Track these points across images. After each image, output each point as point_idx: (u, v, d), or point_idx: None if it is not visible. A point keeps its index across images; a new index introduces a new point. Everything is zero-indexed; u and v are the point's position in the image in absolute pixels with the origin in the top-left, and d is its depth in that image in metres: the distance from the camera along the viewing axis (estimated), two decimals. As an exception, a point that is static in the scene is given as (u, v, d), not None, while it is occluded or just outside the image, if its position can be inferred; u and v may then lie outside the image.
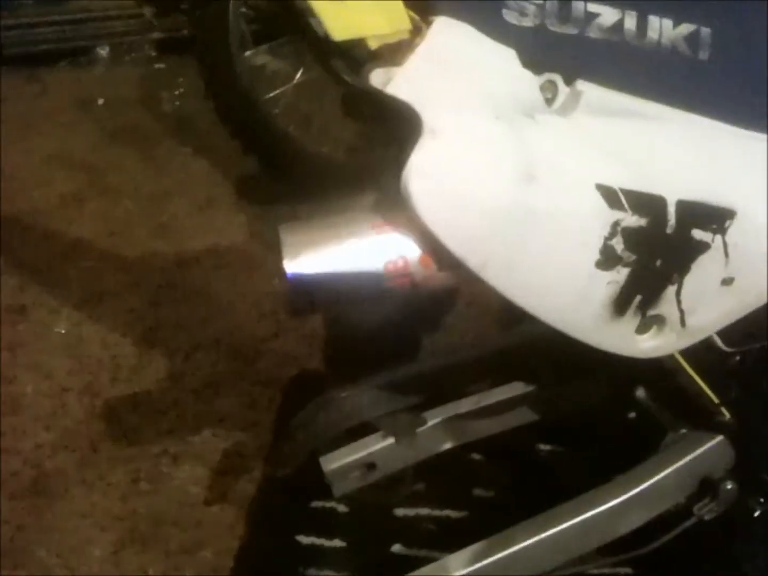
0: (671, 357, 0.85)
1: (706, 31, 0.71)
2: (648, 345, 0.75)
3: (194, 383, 1.43)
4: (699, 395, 0.88)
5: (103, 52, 2.43)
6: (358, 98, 0.67)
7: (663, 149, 0.70)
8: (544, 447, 1.25)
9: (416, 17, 0.69)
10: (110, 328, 1.55)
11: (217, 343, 1.51)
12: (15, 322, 1.56)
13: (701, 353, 0.84)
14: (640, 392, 0.98)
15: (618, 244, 0.68)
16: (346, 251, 0.65)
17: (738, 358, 0.88)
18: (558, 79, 0.70)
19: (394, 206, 0.64)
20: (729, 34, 0.72)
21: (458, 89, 0.65)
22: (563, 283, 0.68)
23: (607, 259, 0.68)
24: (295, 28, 0.66)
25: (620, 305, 0.71)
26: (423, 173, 0.62)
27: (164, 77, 2.32)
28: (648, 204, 0.69)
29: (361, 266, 0.65)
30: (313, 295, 0.65)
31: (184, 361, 1.48)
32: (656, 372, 0.90)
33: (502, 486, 1.20)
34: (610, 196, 0.67)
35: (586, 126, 0.68)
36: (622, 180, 0.68)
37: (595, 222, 0.67)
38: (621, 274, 0.70)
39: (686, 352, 0.84)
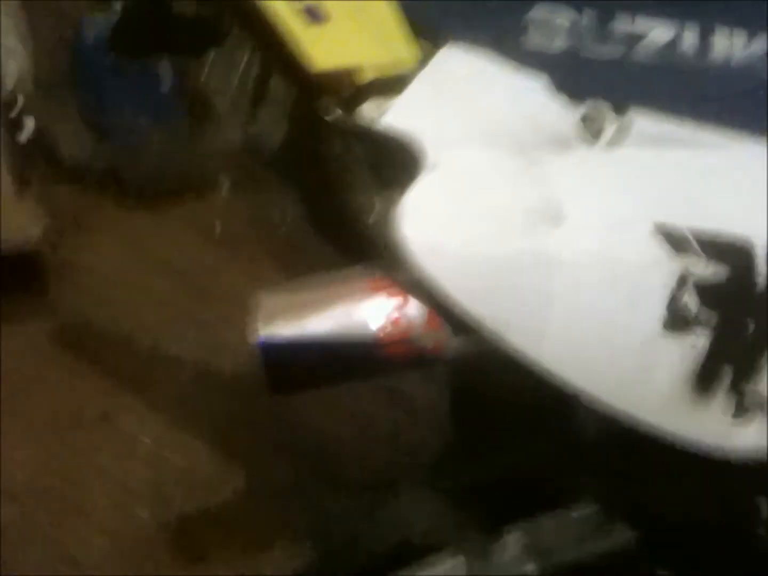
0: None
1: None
2: (748, 438, 0.57)
3: (271, 497, 1.31)
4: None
5: (225, 182, 2.44)
6: (350, 139, 0.56)
7: (739, 184, 0.54)
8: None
9: (427, 45, 0.57)
10: (191, 438, 1.46)
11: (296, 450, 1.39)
12: (96, 429, 1.50)
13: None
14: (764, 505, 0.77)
15: (691, 299, 0.52)
16: (330, 314, 0.52)
17: None
18: (604, 107, 0.56)
19: (394, 261, 0.51)
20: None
21: (465, 119, 0.53)
22: (617, 352, 0.52)
23: (678, 319, 0.52)
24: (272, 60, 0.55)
25: (704, 380, 0.54)
26: (419, 212, 0.49)
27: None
28: (728, 249, 0.52)
29: (348, 331, 0.52)
30: (291, 369, 0.52)
31: (260, 473, 1.36)
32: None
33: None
34: (675, 238, 0.51)
35: (637, 158, 0.54)
36: (689, 220, 0.52)
37: (655, 271, 0.51)
38: (700, 338, 0.53)
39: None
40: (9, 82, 1.57)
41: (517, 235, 0.50)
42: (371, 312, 0.52)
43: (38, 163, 1.82)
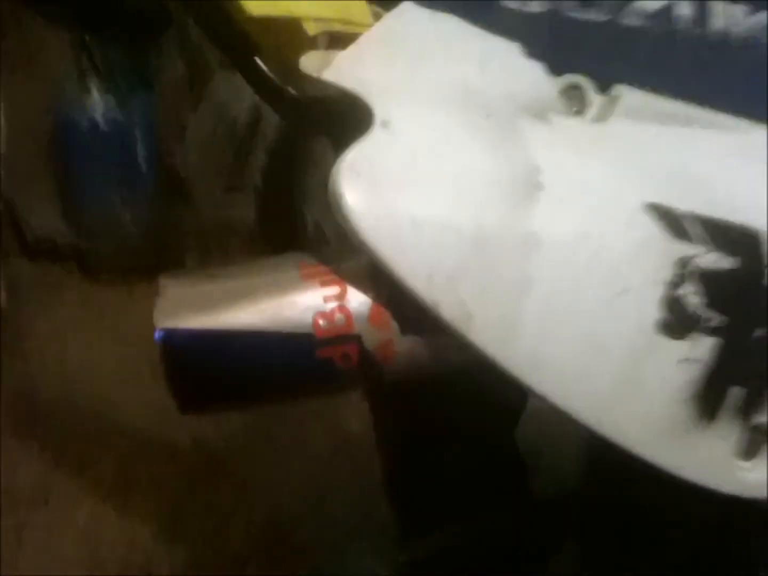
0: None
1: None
2: (756, 478, 0.47)
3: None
4: None
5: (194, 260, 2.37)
6: (286, 99, 0.47)
7: (743, 168, 0.46)
8: None
9: (381, 11, 0.50)
10: (131, 521, 1.33)
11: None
12: (33, 507, 1.36)
13: None
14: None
15: (691, 295, 0.43)
16: (251, 305, 0.42)
17: None
18: (585, 83, 0.48)
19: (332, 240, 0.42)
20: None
21: (422, 79, 0.44)
22: (599, 354, 0.42)
23: (675, 318, 0.43)
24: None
25: (706, 403, 0.44)
26: (363, 175, 0.39)
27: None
28: (734, 236, 0.44)
29: (274, 326, 0.41)
30: (199, 373, 0.41)
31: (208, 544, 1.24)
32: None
33: None
34: (671, 219, 0.43)
35: (628, 134, 0.46)
36: (686, 201, 0.44)
37: (648, 255, 0.42)
38: (703, 346, 0.44)
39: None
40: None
41: (485, 207, 0.40)
42: (302, 304, 0.42)
43: (2, 232, 1.75)
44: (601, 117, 0.46)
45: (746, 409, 0.46)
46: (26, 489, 1.42)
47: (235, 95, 1.77)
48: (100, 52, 1.66)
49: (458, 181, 0.41)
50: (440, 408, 0.53)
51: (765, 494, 0.47)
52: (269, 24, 0.46)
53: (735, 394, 0.45)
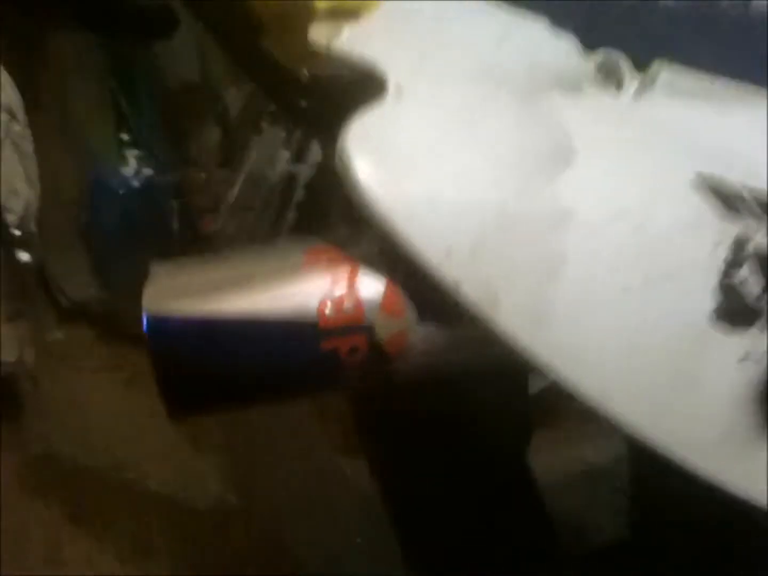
0: None
1: None
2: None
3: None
4: None
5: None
6: (302, 82, 0.43)
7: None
8: None
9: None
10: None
11: None
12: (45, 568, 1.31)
13: None
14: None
15: (752, 275, 0.37)
16: (249, 291, 0.37)
17: None
18: (621, 59, 0.44)
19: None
20: None
21: (440, 53, 0.41)
22: (643, 345, 0.36)
23: (734, 309, 0.37)
24: None
25: (771, 408, 0.38)
26: (376, 138, 0.35)
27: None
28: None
29: (276, 316, 0.37)
30: (191, 366, 0.37)
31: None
32: None
33: None
34: (725, 193, 0.38)
35: (666, 110, 0.41)
36: (740, 176, 0.39)
37: (700, 233, 0.37)
38: (764, 341, 0.38)
39: None
40: (12, 219, 1.56)
41: (513, 178, 0.36)
42: (306, 289, 0.37)
43: (35, 297, 1.75)
44: (639, 94, 0.42)
45: (819, 420, 0.39)
46: (41, 549, 1.36)
47: (270, 161, 1.78)
48: (137, 122, 1.68)
49: (479, 150, 0.37)
50: (449, 414, 0.47)
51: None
52: (276, 6, 0.43)
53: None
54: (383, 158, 0.35)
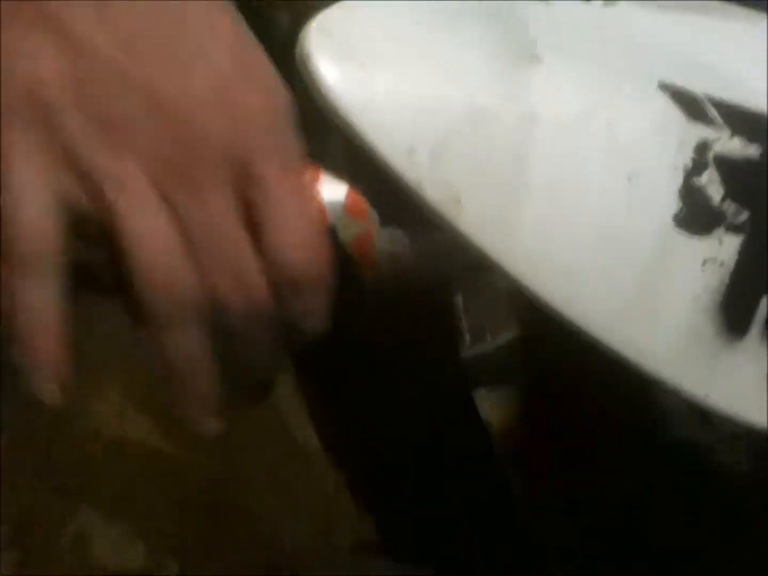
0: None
1: None
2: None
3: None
4: None
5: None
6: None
7: (758, 57, 0.41)
8: None
9: None
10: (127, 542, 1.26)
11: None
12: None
13: None
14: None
15: (713, 185, 0.37)
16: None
17: None
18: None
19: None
20: None
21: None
22: (610, 249, 0.36)
23: (697, 212, 0.37)
24: None
25: (734, 313, 0.39)
26: (338, 32, 0.35)
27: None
28: (758, 124, 0.38)
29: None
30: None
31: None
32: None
33: None
34: (688, 101, 0.37)
35: (636, 18, 0.41)
36: (704, 85, 0.38)
37: (663, 139, 0.37)
38: (726, 246, 0.38)
39: None
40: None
41: (477, 78, 0.35)
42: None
43: None
44: (609, 1, 0.41)
45: (779, 326, 0.40)
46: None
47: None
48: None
49: (444, 50, 0.36)
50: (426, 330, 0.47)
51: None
52: None
53: (764, 303, 0.39)
54: (346, 55, 0.34)
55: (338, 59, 0.34)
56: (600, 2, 0.41)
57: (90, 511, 1.40)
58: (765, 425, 0.40)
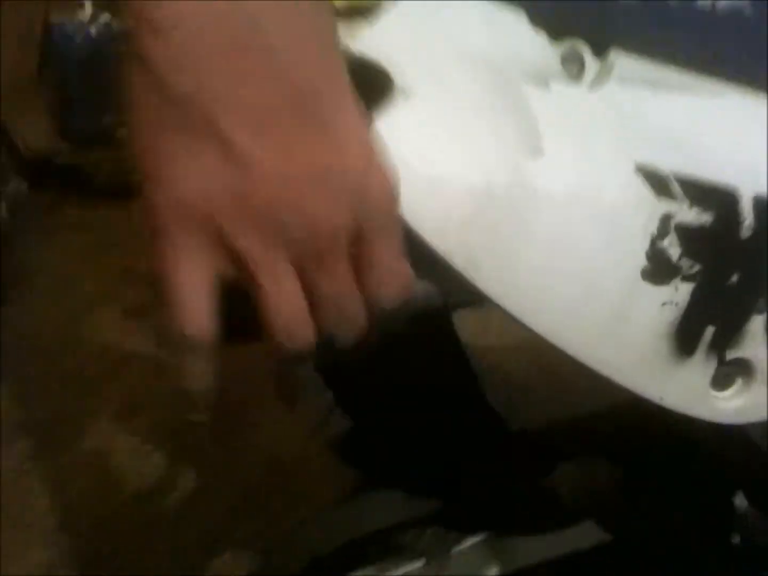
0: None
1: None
2: (729, 405, 0.54)
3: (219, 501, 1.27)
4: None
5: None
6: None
7: (726, 132, 0.52)
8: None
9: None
10: (140, 443, 1.41)
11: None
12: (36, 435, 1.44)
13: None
14: (740, 500, 0.74)
15: (673, 247, 0.49)
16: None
17: None
18: (584, 48, 0.53)
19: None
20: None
21: (441, 49, 0.50)
22: (592, 295, 0.48)
23: (659, 268, 0.49)
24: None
25: (685, 340, 0.51)
26: (388, 135, 0.45)
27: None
28: (713, 194, 0.50)
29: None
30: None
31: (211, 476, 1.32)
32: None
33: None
34: (656, 181, 0.49)
35: (620, 100, 0.51)
36: (672, 163, 0.49)
37: (636, 213, 0.48)
38: (681, 291, 0.50)
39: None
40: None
41: (493, 165, 0.46)
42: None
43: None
44: (598, 82, 0.51)
45: (721, 346, 0.52)
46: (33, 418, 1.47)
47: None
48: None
49: (472, 141, 0.47)
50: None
51: (738, 420, 0.54)
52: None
53: (711, 332, 0.51)
54: (394, 152, 0.45)
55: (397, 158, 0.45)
56: (588, 84, 0.51)
57: (104, 425, 1.53)
58: (708, 418, 0.53)
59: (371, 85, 0.48)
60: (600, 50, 0.53)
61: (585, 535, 0.81)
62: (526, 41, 0.51)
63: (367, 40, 0.49)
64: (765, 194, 0.51)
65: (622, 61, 0.52)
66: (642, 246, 0.48)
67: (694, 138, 0.51)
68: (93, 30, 1.66)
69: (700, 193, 0.49)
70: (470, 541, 0.82)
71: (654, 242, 0.48)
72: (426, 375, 0.71)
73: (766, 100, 0.53)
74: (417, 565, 0.81)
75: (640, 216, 0.48)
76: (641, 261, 0.49)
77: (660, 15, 0.54)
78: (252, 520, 1.24)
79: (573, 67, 0.52)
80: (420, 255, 0.47)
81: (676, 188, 0.48)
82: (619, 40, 0.53)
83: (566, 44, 0.53)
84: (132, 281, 1.72)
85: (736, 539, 0.74)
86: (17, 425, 1.44)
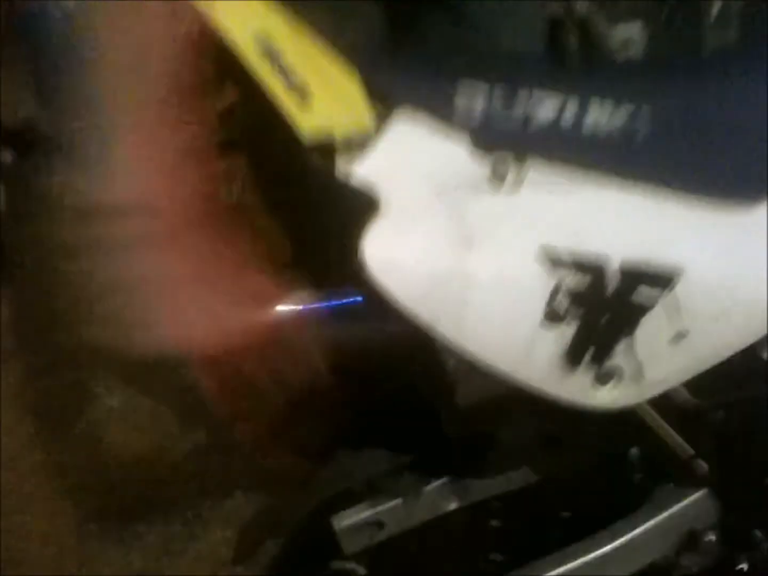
0: (647, 411, 0.90)
1: (646, 108, 0.77)
2: (607, 396, 0.81)
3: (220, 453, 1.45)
4: (675, 448, 0.92)
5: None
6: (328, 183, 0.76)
7: (605, 213, 0.76)
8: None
9: (379, 107, 0.77)
10: (158, 401, 1.59)
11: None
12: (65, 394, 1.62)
13: (675, 405, 0.88)
14: (634, 451, 1.01)
15: (563, 301, 0.75)
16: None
17: (715, 410, 0.92)
18: (508, 156, 0.77)
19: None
20: (670, 109, 0.77)
21: (411, 174, 0.74)
22: (511, 337, 0.75)
23: (553, 316, 0.75)
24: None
25: (573, 357, 0.78)
26: (377, 245, 0.71)
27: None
28: (588, 262, 0.75)
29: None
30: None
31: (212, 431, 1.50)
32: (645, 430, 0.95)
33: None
34: (552, 256, 0.74)
35: (529, 201, 0.75)
36: (565, 242, 0.75)
37: (538, 282, 0.74)
38: (570, 327, 0.76)
39: (662, 406, 0.89)
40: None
41: (440, 257, 0.72)
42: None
43: None
44: (516, 185, 0.76)
45: (599, 360, 0.79)
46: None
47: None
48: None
49: (430, 241, 0.72)
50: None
51: (614, 406, 0.81)
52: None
53: (591, 351, 0.78)
54: (382, 252, 0.70)
55: (384, 261, 0.70)
56: (507, 188, 0.76)
57: (103, 401, 1.67)
58: (591, 406, 0.80)
59: (362, 204, 0.73)
60: (520, 158, 0.77)
61: (521, 477, 1.08)
62: (467, 161, 0.76)
63: (364, 168, 0.73)
64: (629, 258, 0.76)
65: (532, 171, 0.77)
66: (542, 302, 0.74)
67: (582, 222, 0.76)
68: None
69: (581, 263, 0.75)
70: (436, 484, 1.09)
71: (551, 299, 0.74)
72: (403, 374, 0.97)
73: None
74: (396, 502, 1.07)
75: (542, 284, 0.74)
76: (541, 313, 0.75)
77: (560, 136, 0.78)
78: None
79: (498, 174, 0.77)
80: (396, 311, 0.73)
81: (567, 262, 0.74)
82: (532, 154, 0.77)
83: (496, 156, 0.77)
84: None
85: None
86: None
